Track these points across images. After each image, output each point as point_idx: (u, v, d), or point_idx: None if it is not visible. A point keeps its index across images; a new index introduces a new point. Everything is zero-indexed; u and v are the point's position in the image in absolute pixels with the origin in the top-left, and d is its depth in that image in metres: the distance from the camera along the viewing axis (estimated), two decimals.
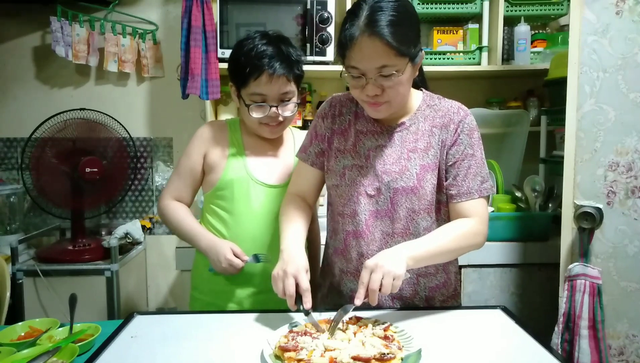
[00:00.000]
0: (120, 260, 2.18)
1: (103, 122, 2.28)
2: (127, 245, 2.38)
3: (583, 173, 1.57)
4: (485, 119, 2.34)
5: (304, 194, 1.36)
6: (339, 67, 1.17)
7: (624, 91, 1.54)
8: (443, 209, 1.26)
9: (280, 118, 1.41)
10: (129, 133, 2.38)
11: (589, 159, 1.57)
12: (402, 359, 0.94)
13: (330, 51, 2.20)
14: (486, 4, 2.32)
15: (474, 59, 2.35)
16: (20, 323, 1.17)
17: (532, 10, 2.34)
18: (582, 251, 1.56)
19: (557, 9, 2.34)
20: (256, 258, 1.38)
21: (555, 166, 2.11)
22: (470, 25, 2.36)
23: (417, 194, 1.20)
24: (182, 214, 1.46)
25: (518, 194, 2.12)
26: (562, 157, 1.60)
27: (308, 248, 1.46)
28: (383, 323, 1.10)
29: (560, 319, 1.56)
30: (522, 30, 2.32)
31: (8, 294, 1.78)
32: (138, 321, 1.19)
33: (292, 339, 1.01)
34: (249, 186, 1.43)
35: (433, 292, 1.29)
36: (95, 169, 2.14)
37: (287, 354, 0.94)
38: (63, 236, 2.48)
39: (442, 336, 1.08)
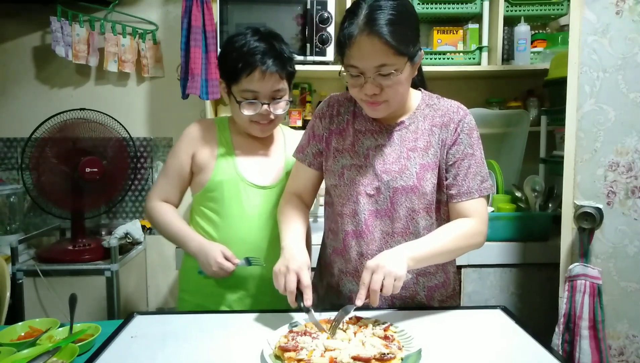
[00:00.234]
0: (120, 260, 2.18)
1: (103, 122, 2.28)
2: (127, 245, 2.38)
3: (583, 173, 1.57)
4: (485, 119, 2.34)
5: (301, 194, 1.36)
6: (339, 67, 1.16)
7: (624, 91, 1.54)
8: (443, 209, 1.26)
9: (272, 116, 1.38)
10: (129, 133, 2.38)
11: (589, 159, 1.57)
12: (402, 359, 0.94)
13: (330, 51, 2.20)
14: (486, 4, 2.32)
15: (474, 59, 2.35)
16: (20, 323, 1.17)
17: (532, 10, 2.34)
18: (582, 252, 1.56)
19: (557, 9, 2.34)
20: (248, 261, 1.35)
21: (555, 166, 2.11)
22: (470, 25, 2.37)
23: (416, 194, 1.20)
24: (170, 216, 1.43)
25: (518, 194, 2.12)
26: (562, 157, 1.60)
27: None
28: (383, 323, 1.10)
29: (561, 320, 1.56)
30: (522, 30, 2.32)
31: (8, 294, 1.78)
32: (138, 321, 1.19)
33: (292, 339, 1.01)
34: (239, 188, 1.40)
35: (432, 292, 1.29)
36: (95, 169, 2.14)
37: (287, 354, 0.94)
38: (63, 236, 2.48)
39: (442, 336, 1.08)
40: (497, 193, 2.14)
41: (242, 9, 2.21)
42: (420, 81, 1.31)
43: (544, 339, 1.06)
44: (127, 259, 2.30)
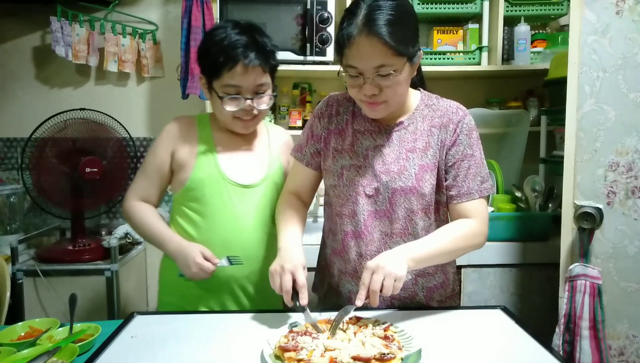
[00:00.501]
0: (120, 260, 2.18)
1: (103, 122, 2.28)
2: (127, 245, 2.37)
3: (583, 173, 1.57)
4: (485, 119, 2.34)
5: (299, 193, 1.36)
6: (338, 67, 1.16)
7: (624, 91, 1.54)
8: (442, 210, 1.26)
9: (255, 111, 1.34)
10: (129, 133, 2.38)
11: (589, 159, 1.57)
12: (402, 359, 0.94)
13: (330, 51, 2.20)
14: (486, 4, 2.32)
15: (474, 59, 2.34)
16: (20, 323, 1.17)
17: (532, 10, 2.34)
18: (582, 252, 1.56)
19: (557, 9, 2.34)
20: (228, 261, 1.32)
21: (555, 166, 2.11)
22: (470, 25, 2.36)
23: (415, 195, 1.20)
24: (148, 216, 1.38)
25: (518, 194, 2.12)
26: (562, 157, 1.60)
27: None
28: (383, 323, 1.10)
29: (561, 320, 1.56)
30: (522, 30, 2.32)
31: (8, 294, 1.78)
32: (138, 321, 1.19)
33: (292, 339, 1.01)
34: (221, 186, 1.36)
35: (431, 292, 1.29)
36: (95, 169, 2.13)
37: (287, 354, 0.94)
38: (63, 236, 2.48)
39: (442, 336, 1.08)
40: (497, 193, 2.14)
41: (242, 9, 2.21)
42: (419, 81, 1.31)
43: (544, 339, 1.06)
44: (127, 259, 2.30)
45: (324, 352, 0.96)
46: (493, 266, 2.02)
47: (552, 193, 2.10)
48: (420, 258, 1.11)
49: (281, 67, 2.24)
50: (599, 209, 1.53)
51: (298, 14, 2.22)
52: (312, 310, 1.14)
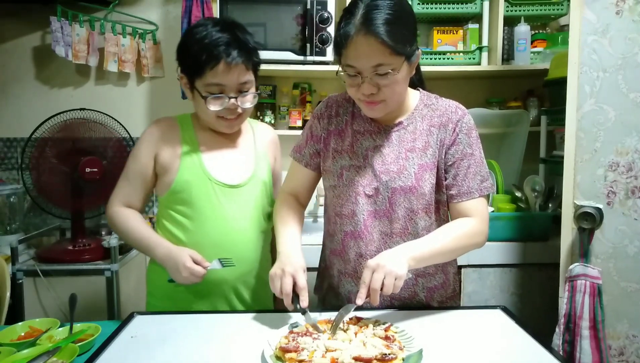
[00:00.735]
0: (120, 260, 2.18)
1: (103, 122, 2.28)
2: (127, 245, 2.37)
3: (583, 173, 1.57)
4: (485, 119, 2.34)
5: (297, 194, 1.36)
6: (337, 67, 1.16)
7: (624, 91, 1.54)
8: (442, 209, 1.26)
9: (239, 110, 1.32)
10: (129, 133, 2.38)
11: (589, 159, 1.57)
12: (403, 359, 0.94)
13: (330, 51, 2.20)
14: (486, 4, 2.32)
15: (474, 59, 2.35)
16: (20, 323, 1.17)
17: (532, 10, 2.34)
18: (582, 252, 1.56)
19: (557, 9, 2.34)
20: (220, 263, 1.29)
21: (555, 166, 2.11)
22: (470, 25, 2.36)
23: (415, 194, 1.20)
24: (133, 222, 1.35)
25: (518, 194, 2.12)
26: (562, 157, 1.60)
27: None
28: (384, 324, 1.10)
29: (561, 320, 1.56)
30: (522, 30, 2.32)
31: (8, 294, 1.78)
32: (138, 321, 1.19)
33: (293, 340, 1.01)
34: (207, 188, 1.33)
35: (432, 293, 1.29)
36: (95, 169, 2.13)
37: (288, 355, 0.94)
38: (63, 236, 2.47)
39: (443, 336, 1.08)
40: (497, 193, 2.14)
41: (242, 9, 2.21)
42: (418, 81, 1.31)
43: (544, 339, 1.06)
44: (127, 259, 2.30)
45: (325, 352, 0.96)
46: (493, 266, 2.02)
47: (552, 193, 2.10)
48: (421, 257, 1.11)
49: (281, 67, 2.28)
50: (599, 209, 1.53)
51: (298, 14, 2.22)
52: (311, 311, 1.15)
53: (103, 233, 2.45)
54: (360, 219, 1.24)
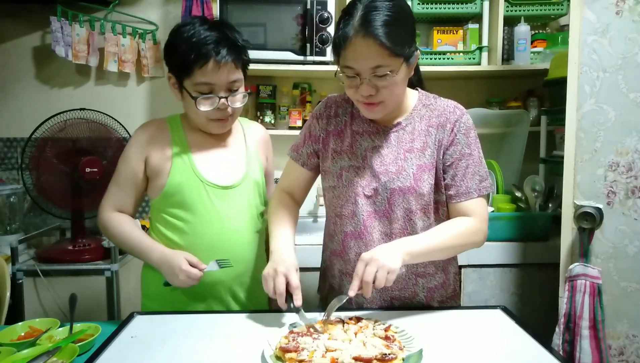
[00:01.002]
0: (120, 260, 2.18)
1: (103, 122, 2.28)
2: None
3: (583, 173, 1.57)
4: (485, 119, 2.34)
5: (293, 193, 1.37)
6: (336, 68, 1.17)
7: (624, 91, 1.54)
8: (441, 209, 1.26)
9: (230, 110, 1.30)
10: (129, 133, 2.38)
11: (589, 159, 1.57)
12: (403, 359, 0.94)
13: (330, 51, 2.20)
14: (486, 4, 2.32)
15: (474, 59, 2.35)
16: (20, 323, 1.17)
17: (532, 10, 2.34)
18: (582, 251, 1.56)
19: (557, 9, 2.34)
20: (217, 264, 1.28)
21: (555, 166, 2.11)
22: (470, 25, 2.36)
23: (414, 194, 1.20)
24: (127, 227, 1.33)
25: (518, 194, 2.12)
26: (562, 157, 1.60)
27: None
28: (384, 324, 1.10)
29: (561, 319, 1.56)
30: (522, 30, 2.32)
31: (8, 294, 1.78)
32: (138, 321, 1.19)
33: (293, 340, 1.01)
34: (200, 189, 1.32)
35: (432, 293, 1.29)
36: (95, 169, 2.13)
37: (288, 355, 0.94)
38: (63, 236, 2.47)
39: (443, 336, 1.08)
40: (497, 193, 2.14)
41: (242, 9, 2.21)
42: (417, 81, 1.31)
43: (544, 339, 1.06)
44: (127, 259, 2.30)
45: (325, 352, 0.96)
46: (493, 266, 2.02)
47: (552, 193, 2.10)
48: (416, 253, 1.11)
49: (281, 67, 2.28)
50: (599, 209, 1.53)
51: (298, 14, 2.22)
52: (312, 311, 1.15)
53: None
54: (360, 219, 1.24)
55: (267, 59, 2.24)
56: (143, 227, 2.45)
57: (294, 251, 1.20)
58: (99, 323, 1.17)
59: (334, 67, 1.17)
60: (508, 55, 2.42)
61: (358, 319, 1.12)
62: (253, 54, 2.16)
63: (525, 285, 2.02)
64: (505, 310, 1.24)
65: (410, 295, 1.27)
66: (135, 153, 1.34)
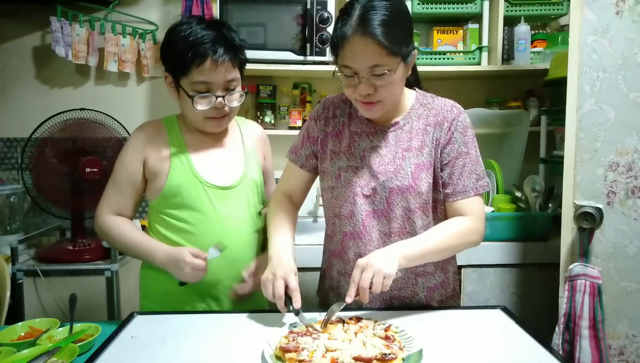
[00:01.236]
0: (120, 260, 2.18)
1: (103, 122, 2.28)
2: None
3: (583, 173, 1.57)
4: (485, 119, 2.34)
5: (292, 195, 1.37)
6: (334, 67, 1.17)
7: (624, 91, 1.54)
8: (440, 208, 1.26)
9: (226, 109, 1.30)
10: (129, 133, 2.37)
11: (589, 159, 1.57)
12: (403, 359, 0.94)
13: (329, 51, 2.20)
14: (486, 4, 2.32)
15: (474, 59, 2.35)
16: (20, 323, 1.17)
17: (532, 10, 2.34)
18: (582, 251, 1.56)
19: (557, 9, 2.34)
20: (216, 249, 1.27)
21: (555, 166, 2.11)
22: (470, 25, 2.36)
23: (412, 193, 1.20)
24: (128, 230, 1.32)
25: (518, 194, 2.12)
26: (562, 157, 1.60)
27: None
28: (384, 324, 1.10)
29: (561, 319, 1.56)
30: (522, 30, 2.32)
31: (8, 294, 1.78)
32: (138, 321, 1.19)
33: (293, 340, 1.01)
34: (199, 191, 1.32)
35: (431, 292, 1.29)
36: (95, 169, 2.13)
37: (288, 355, 0.94)
38: (63, 236, 2.47)
39: (443, 336, 1.08)
40: (497, 193, 2.14)
41: (242, 9, 2.21)
42: (414, 80, 1.31)
43: (544, 339, 1.06)
44: (127, 259, 2.29)
45: (325, 352, 0.96)
46: (493, 266, 2.02)
47: (552, 193, 2.10)
48: (413, 256, 1.12)
49: (281, 67, 2.28)
50: (599, 209, 1.53)
51: (298, 14, 2.22)
52: (312, 311, 1.15)
53: None
54: (359, 219, 1.24)
55: (267, 59, 2.24)
56: (142, 227, 2.45)
57: (293, 255, 1.21)
58: (99, 323, 1.17)
59: (334, 67, 1.17)
60: (508, 55, 2.42)
61: (358, 319, 1.13)
62: (253, 54, 2.18)
63: (525, 285, 2.02)
64: (505, 310, 1.24)
65: (409, 295, 1.27)
66: (133, 155, 1.33)
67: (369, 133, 1.26)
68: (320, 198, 1.84)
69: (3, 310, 1.72)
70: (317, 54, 2.22)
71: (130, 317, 1.20)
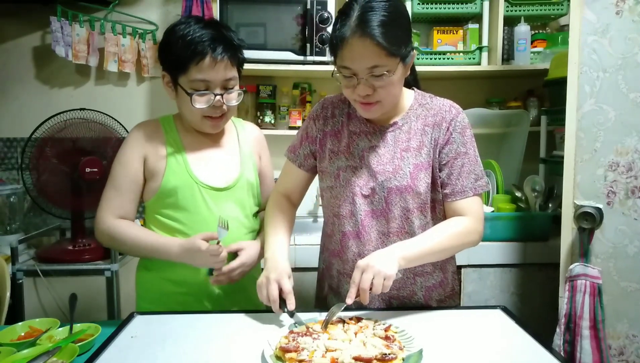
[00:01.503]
0: (120, 260, 2.18)
1: (103, 122, 2.28)
2: None
3: (583, 173, 1.57)
4: (485, 119, 2.34)
5: (290, 195, 1.37)
6: (333, 68, 1.17)
7: (624, 91, 1.54)
8: (438, 208, 1.26)
9: (225, 108, 1.29)
10: (128, 133, 2.38)
11: (589, 159, 1.57)
12: (403, 359, 0.94)
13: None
14: (486, 4, 2.32)
15: (474, 59, 2.35)
16: (20, 323, 1.17)
17: (532, 10, 2.34)
18: (582, 251, 1.56)
19: (557, 9, 2.34)
20: (222, 228, 1.25)
21: (555, 166, 2.11)
22: (470, 25, 2.37)
23: (411, 193, 1.21)
24: (135, 231, 1.30)
25: (518, 194, 2.12)
26: (562, 157, 1.60)
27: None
28: (384, 324, 1.10)
29: (562, 320, 1.56)
30: (522, 30, 2.32)
31: (8, 294, 1.78)
32: (138, 321, 1.19)
33: (293, 340, 1.01)
34: (195, 191, 1.31)
35: (430, 292, 1.29)
36: (95, 169, 2.13)
37: (288, 355, 0.94)
38: (63, 236, 2.47)
39: (443, 336, 1.08)
40: (497, 193, 2.14)
41: (242, 9, 2.21)
42: (413, 80, 1.31)
43: (544, 339, 1.06)
44: (127, 259, 2.29)
45: (325, 352, 0.96)
46: (493, 266, 2.02)
47: (552, 193, 2.10)
48: (412, 257, 1.12)
49: (281, 67, 2.28)
50: (599, 209, 1.53)
51: (298, 14, 2.22)
52: (312, 311, 1.14)
53: None
54: (358, 219, 1.24)
55: (267, 59, 2.24)
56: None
57: (287, 257, 1.21)
58: (99, 323, 1.17)
59: (333, 68, 1.17)
60: (508, 55, 2.42)
61: (358, 319, 1.13)
62: (253, 54, 2.19)
63: (525, 285, 2.02)
64: (505, 310, 1.24)
65: (408, 294, 1.28)
66: (134, 155, 1.32)
67: (368, 133, 1.26)
68: (320, 198, 1.84)
69: (3, 310, 1.72)
70: (317, 54, 2.22)
71: (130, 317, 1.20)
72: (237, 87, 1.32)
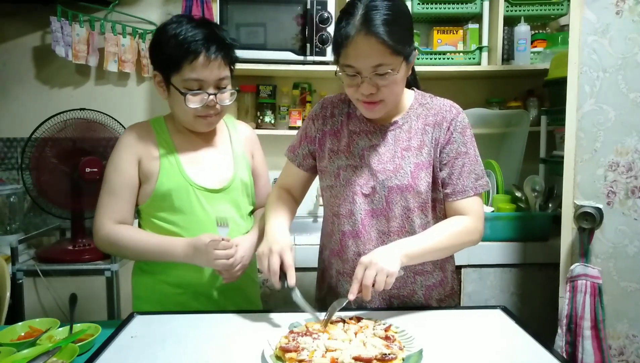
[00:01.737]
0: (120, 260, 2.18)
1: (103, 122, 2.28)
2: None
3: (583, 173, 1.57)
4: (485, 119, 2.34)
5: (291, 190, 1.38)
6: (336, 67, 1.17)
7: (624, 91, 1.54)
8: (439, 207, 1.27)
9: (218, 107, 1.29)
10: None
11: (589, 159, 1.57)
12: (403, 359, 0.94)
13: (331, 51, 2.20)
14: (486, 4, 2.32)
15: (474, 59, 2.35)
16: (20, 323, 1.17)
17: (532, 10, 2.34)
18: (582, 251, 1.56)
19: (557, 9, 2.34)
20: (222, 227, 1.26)
21: (555, 166, 2.11)
22: (470, 25, 2.37)
23: (411, 193, 1.21)
24: (138, 234, 1.30)
25: (518, 194, 2.12)
26: (562, 157, 1.60)
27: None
28: (384, 324, 1.10)
29: (563, 321, 1.56)
30: (522, 30, 2.32)
31: (8, 294, 1.78)
32: (138, 321, 1.19)
33: (293, 339, 1.01)
34: (189, 193, 1.30)
35: (430, 291, 1.29)
36: (95, 169, 2.13)
37: (288, 355, 0.94)
38: (63, 236, 2.47)
39: (443, 336, 1.08)
40: (497, 192, 2.14)
41: (242, 9, 2.21)
42: (413, 80, 1.32)
43: (544, 339, 1.06)
44: (127, 259, 2.30)
45: (325, 352, 0.96)
46: (493, 266, 2.02)
47: (552, 193, 2.10)
48: (414, 254, 1.12)
49: (281, 67, 2.28)
50: (599, 209, 1.53)
51: (298, 14, 2.22)
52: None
53: None
54: (358, 218, 1.24)
55: (267, 59, 2.24)
56: None
57: (289, 232, 1.21)
58: (99, 323, 1.17)
59: (334, 67, 1.17)
60: (508, 55, 2.42)
61: (358, 319, 1.13)
62: (253, 54, 2.19)
63: (525, 285, 2.02)
64: (505, 310, 1.24)
65: (408, 294, 1.28)
66: (128, 159, 1.30)
67: (368, 132, 1.26)
68: (320, 198, 1.84)
69: (3, 310, 1.72)
70: (317, 54, 2.22)
71: (130, 317, 1.20)
72: (229, 86, 1.32)
